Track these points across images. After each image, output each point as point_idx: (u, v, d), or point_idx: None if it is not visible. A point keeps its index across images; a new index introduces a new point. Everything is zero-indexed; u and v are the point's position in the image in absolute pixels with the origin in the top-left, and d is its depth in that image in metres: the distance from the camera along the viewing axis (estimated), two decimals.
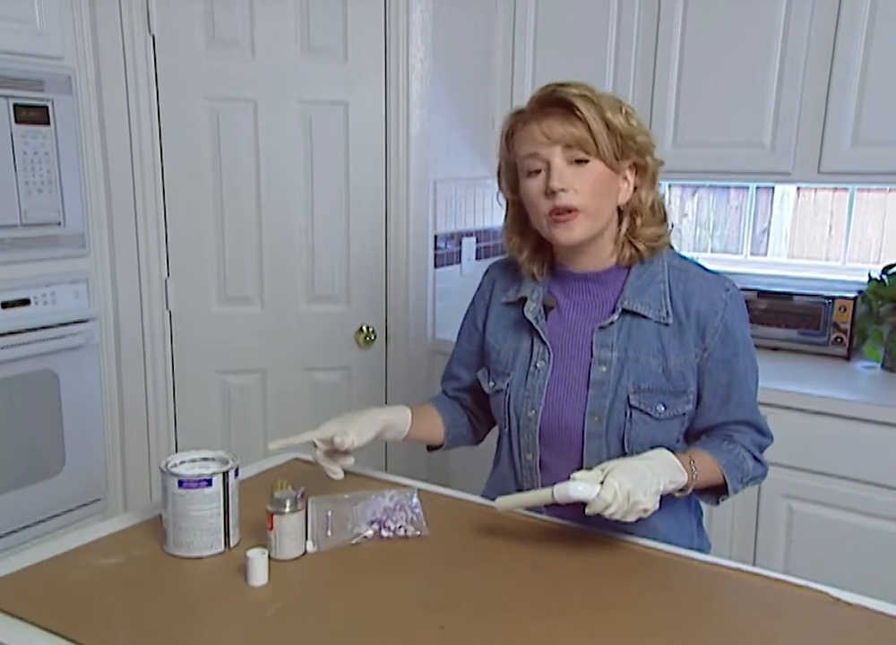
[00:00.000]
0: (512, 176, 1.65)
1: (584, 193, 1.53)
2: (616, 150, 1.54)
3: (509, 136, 1.62)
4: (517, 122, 1.59)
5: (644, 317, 1.60)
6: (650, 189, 1.62)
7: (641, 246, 1.62)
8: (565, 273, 1.68)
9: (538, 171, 1.55)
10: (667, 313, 1.59)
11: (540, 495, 1.48)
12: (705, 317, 1.59)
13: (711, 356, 1.60)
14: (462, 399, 1.89)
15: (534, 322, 1.67)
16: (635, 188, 1.60)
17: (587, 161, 1.53)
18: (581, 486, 1.39)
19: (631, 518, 1.41)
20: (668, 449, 1.53)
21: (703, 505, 1.78)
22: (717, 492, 1.62)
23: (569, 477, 1.43)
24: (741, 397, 1.63)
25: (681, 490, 1.51)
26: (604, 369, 1.60)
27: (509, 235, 1.72)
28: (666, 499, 1.55)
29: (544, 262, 1.71)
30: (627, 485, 1.38)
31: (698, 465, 1.52)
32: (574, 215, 1.53)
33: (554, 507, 1.64)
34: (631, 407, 1.58)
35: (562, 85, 1.53)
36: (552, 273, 1.71)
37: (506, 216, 1.73)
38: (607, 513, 1.39)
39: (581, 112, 1.50)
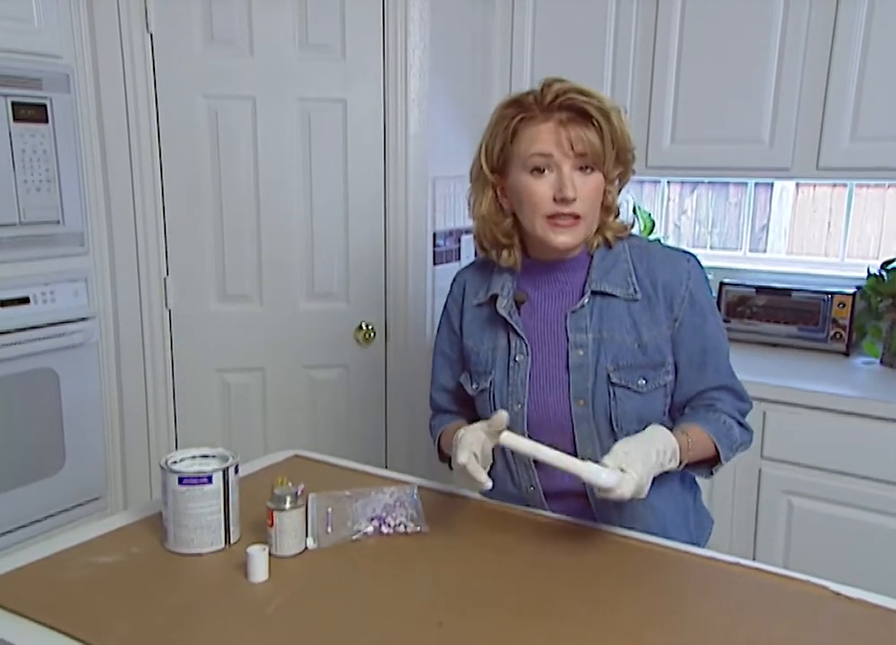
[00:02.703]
0: (501, 161, 1.64)
1: (586, 201, 1.57)
2: (615, 161, 1.60)
3: (513, 126, 1.59)
4: (526, 113, 1.58)
5: (613, 296, 1.63)
6: (617, 192, 1.68)
7: (609, 235, 1.67)
8: (533, 265, 1.71)
9: (542, 171, 1.56)
10: (635, 289, 1.63)
11: (567, 463, 1.45)
12: (671, 288, 1.63)
13: (682, 325, 1.63)
14: (458, 411, 1.89)
15: (508, 318, 1.68)
16: (606, 190, 1.64)
17: (591, 170, 1.57)
18: (606, 476, 1.41)
19: (628, 499, 1.45)
20: (663, 426, 1.57)
21: (704, 490, 1.83)
22: (709, 463, 1.64)
23: (599, 454, 1.49)
24: (716, 362, 1.66)
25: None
26: (581, 352, 1.63)
27: (499, 219, 1.68)
28: (661, 477, 1.56)
29: (521, 251, 1.72)
30: (645, 479, 1.43)
31: (693, 441, 1.56)
32: (576, 222, 1.58)
33: (556, 502, 1.68)
34: (613, 385, 1.61)
35: (579, 91, 1.54)
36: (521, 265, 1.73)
37: (480, 202, 1.69)
38: (615, 499, 1.43)
39: (599, 125, 1.54)
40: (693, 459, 1.58)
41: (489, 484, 1.49)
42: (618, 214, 1.69)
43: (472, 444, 1.51)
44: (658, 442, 1.51)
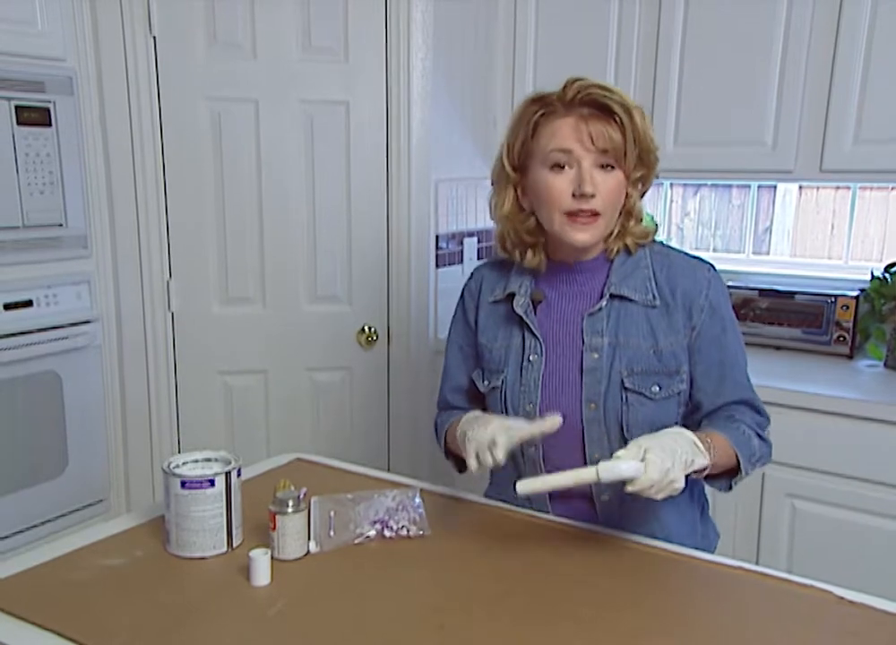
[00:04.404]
0: (522, 158, 1.63)
1: (606, 199, 1.56)
2: (636, 161, 1.58)
3: (535, 121, 1.59)
4: (547, 109, 1.57)
5: (632, 301, 1.62)
6: (640, 197, 1.66)
7: (629, 241, 1.65)
8: (552, 266, 1.69)
9: (563, 167, 1.55)
10: (654, 295, 1.61)
11: (581, 476, 1.43)
12: (690, 296, 1.61)
13: (701, 335, 1.61)
14: (469, 408, 1.85)
15: (524, 316, 1.67)
16: (627, 194, 1.62)
17: (612, 168, 1.56)
18: (625, 465, 1.37)
19: (663, 496, 1.40)
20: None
21: (709, 498, 1.81)
22: (728, 474, 1.60)
23: (608, 457, 1.42)
24: (735, 375, 1.64)
25: (700, 471, 1.49)
26: (596, 355, 1.61)
27: (522, 218, 1.67)
28: None
29: (544, 252, 1.70)
30: (668, 462, 1.38)
31: (714, 444, 1.51)
32: (595, 219, 1.56)
33: (560, 505, 1.67)
34: (626, 390, 1.59)
35: (601, 87, 1.53)
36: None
37: (502, 202, 1.68)
38: (647, 491, 1.38)
39: (622, 122, 1.53)
40: (717, 462, 1.52)
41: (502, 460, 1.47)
42: (641, 220, 1.67)
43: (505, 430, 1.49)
44: (672, 432, 1.47)
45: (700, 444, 1.46)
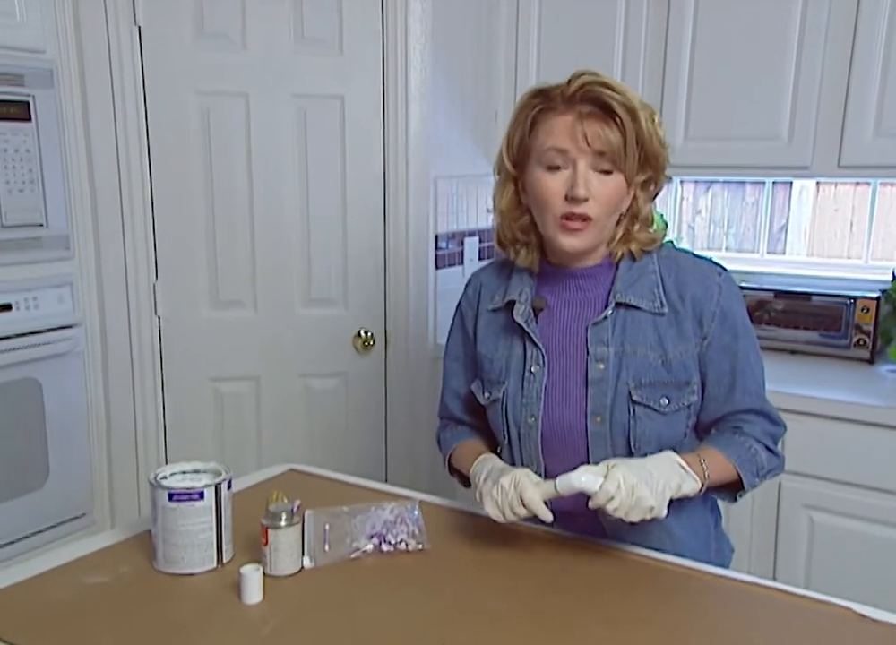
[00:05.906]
0: (521, 153, 1.60)
1: (600, 203, 1.53)
2: (639, 165, 1.55)
3: (533, 117, 1.56)
4: (546, 105, 1.54)
5: (638, 309, 1.59)
6: (649, 200, 1.63)
7: (634, 247, 1.62)
8: (553, 271, 1.67)
9: (558, 167, 1.52)
10: (662, 302, 1.58)
11: (544, 490, 1.45)
12: (701, 303, 1.58)
13: (712, 344, 1.58)
14: (471, 422, 1.85)
15: (525, 326, 1.64)
16: (634, 196, 1.60)
17: (609, 172, 1.52)
18: (584, 477, 1.39)
19: (635, 516, 1.39)
20: (675, 449, 1.54)
21: (723, 510, 1.79)
22: (733, 488, 1.60)
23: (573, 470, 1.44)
24: (746, 384, 1.60)
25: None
26: (601, 366, 1.58)
27: (517, 215, 1.65)
28: (680, 501, 1.53)
29: (540, 252, 1.69)
30: (631, 479, 1.39)
31: (709, 463, 1.51)
32: (586, 225, 1.53)
33: (565, 521, 1.62)
34: (633, 403, 1.56)
35: (605, 85, 1.50)
36: (540, 270, 1.70)
37: (501, 196, 1.66)
38: (610, 507, 1.38)
39: (622, 123, 1.49)
40: (713, 483, 1.53)
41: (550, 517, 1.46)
42: (651, 223, 1.63)
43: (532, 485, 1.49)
44: (656, 459, 1.48)
45: (688, 468, 1.48)
